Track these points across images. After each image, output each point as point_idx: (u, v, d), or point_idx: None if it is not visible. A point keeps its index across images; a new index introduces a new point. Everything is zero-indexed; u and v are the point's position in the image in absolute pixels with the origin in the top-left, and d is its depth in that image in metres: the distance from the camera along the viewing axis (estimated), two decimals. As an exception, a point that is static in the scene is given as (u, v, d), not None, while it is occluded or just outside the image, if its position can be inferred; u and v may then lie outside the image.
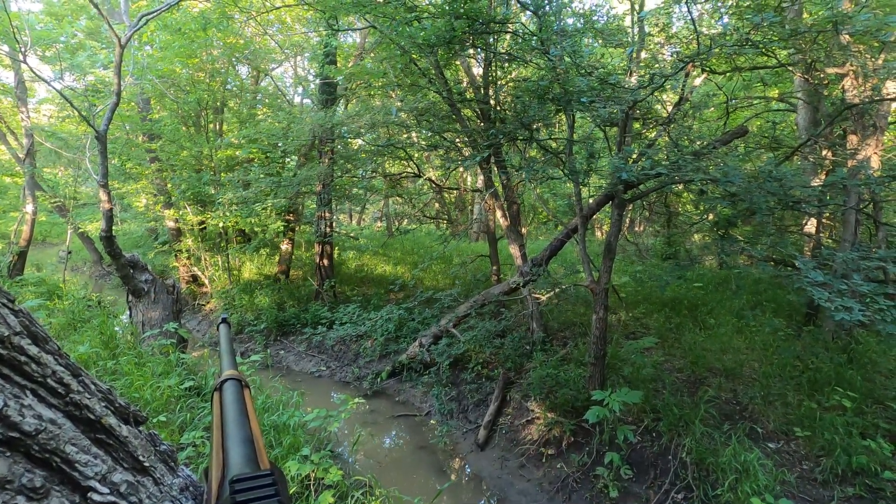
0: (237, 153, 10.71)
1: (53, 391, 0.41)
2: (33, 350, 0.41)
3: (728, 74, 6.26)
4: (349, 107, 11.20)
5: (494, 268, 8.31)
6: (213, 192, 9.98)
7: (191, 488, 0.51)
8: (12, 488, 0.36)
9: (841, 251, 4.53)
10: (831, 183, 4.23)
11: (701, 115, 6.47)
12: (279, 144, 11.09)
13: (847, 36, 4.35)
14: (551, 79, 4.10)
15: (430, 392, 6.72)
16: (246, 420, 0.53)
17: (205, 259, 11.10)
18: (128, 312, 6.44)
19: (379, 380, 7.10)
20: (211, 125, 11.48)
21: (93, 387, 0.47)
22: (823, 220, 6.94)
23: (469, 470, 5.54)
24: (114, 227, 5.95)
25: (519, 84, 5.64)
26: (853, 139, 5.52)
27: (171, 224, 11.08)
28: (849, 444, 4.14)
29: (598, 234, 14.48)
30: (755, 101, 8.43)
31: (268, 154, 10.89)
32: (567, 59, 4.45)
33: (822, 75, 5.74)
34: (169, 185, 10.52)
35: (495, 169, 7.20)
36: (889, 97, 4.44)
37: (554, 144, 6.51)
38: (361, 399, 4.95)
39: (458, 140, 8.02)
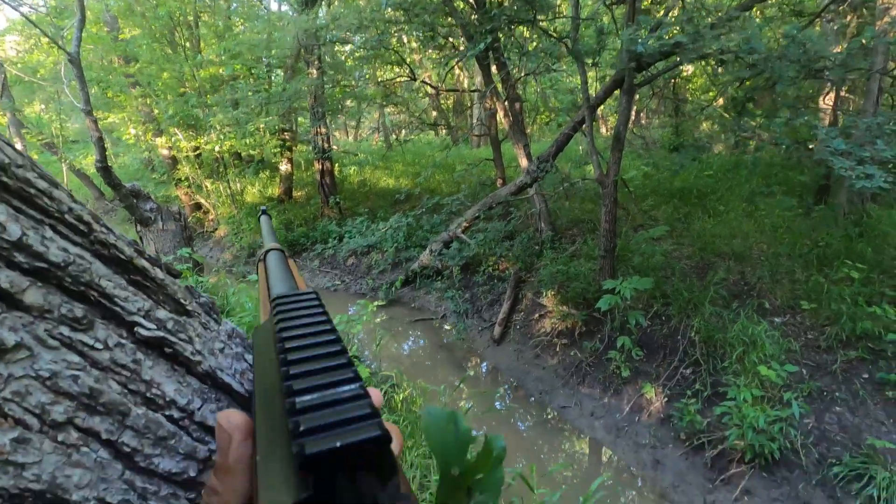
0: (220, 71, 10.11)
1: (75, 228, 0.37)
2: (43, 183, 0.36)
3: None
4: (332, 8, 10.35)
5: (499, 171, 8.15)
6: (201, 115, 9.58)
7: (237, 337, 0.49)
8: (52, 318, 0.33)
9: (861, 119, 4.33)
10: (858, 45, 3.93)
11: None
12: (263, 58, 10.43)
13: None
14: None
15: (444, 297, 6.92)
16: (290, 277, 0.52)
17: (206, 186, 10.97)
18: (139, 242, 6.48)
19: (393, 289, 7.29)
20: (187, 43, 10.74)
21: (115, 230, 0.43)
22: (843, 93, 6.60)
23: (487, 363, 5.86)
24: (108, 162, 5.78)
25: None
26: (883, -3, 5.04)
27: (164, 152, 10.80)
28: (854, 311, 4.27)
29: (603, 129, 13.99)
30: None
31: (252, 69, 10.29)
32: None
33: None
34: (156, 111, 10.09)
35: (494, 66, 6.77)
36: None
37: (555, 30, 6.04)
38: (381, 301, 5.10)
39: (450, 36, 7.47)
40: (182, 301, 0.43)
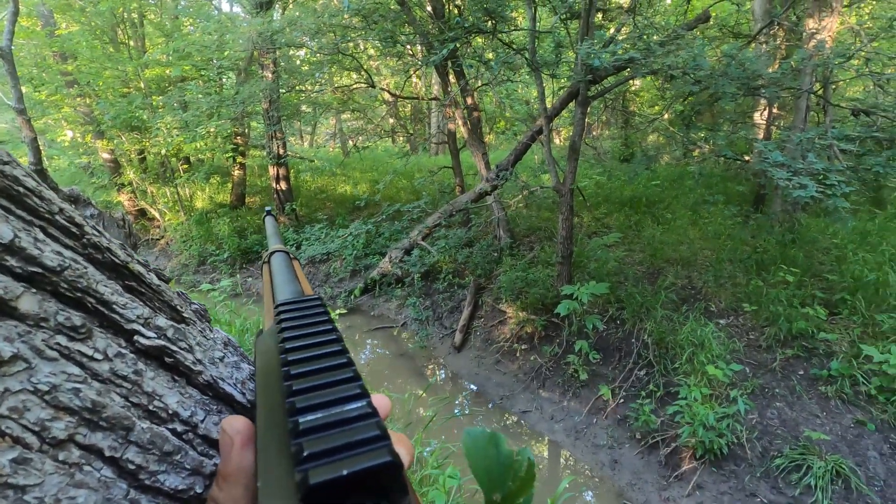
0: (168, 72, 9.67)
1: (66, 230, 0.35)
2: (31, 182, 0.34)
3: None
4: (288, 11, 10.15)
5: (458, 179, 8.22)
6: (146, 117, 9.11)
7: (232, 345, 0.47)
8: (49, 327, 0.31)
9: (794, 134, 4.69)
10: (789, 67, 4.26)
11: (665, 3, 6.24)
12: (214, 60, 10.07)
13: None
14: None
15: (404, 304, 6.88)
16: (295, 278, 0.51)
17: (151, 191, 10.42)
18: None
19: (352, 297, 7.18)
20: (131, 41, 10.22)
21: (105, 233, 0.40)
22: (774, 110, 7.11)
23: (448, 370, 5.85)
24: (43, 165, 5.39)
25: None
26: (809, 23, 5.50)
27: (106, 156, 10.18)
28: (790, 313, 4.58)
29: (557, 140, 14.43)
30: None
31: (202, 71, 9.90)
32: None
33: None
34: (96, 112, 9.52)
35: (452, 76, 6.85)
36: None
37: (513, 41, 6.18)
38: (342, 310, 5.00)
39: (410, 44, 7.49)
40: (178, 308, 0.41)
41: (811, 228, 5.99)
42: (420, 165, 11.33)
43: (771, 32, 6.40)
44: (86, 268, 0.34)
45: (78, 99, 9.44)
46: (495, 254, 6.89)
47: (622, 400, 4.57)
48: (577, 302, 4.74)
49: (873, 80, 4.33)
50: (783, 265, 5.14)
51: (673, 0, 8.20)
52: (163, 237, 10.45)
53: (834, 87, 5.47)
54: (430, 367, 6.00)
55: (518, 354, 5.51)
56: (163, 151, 8.87)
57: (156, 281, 0.40)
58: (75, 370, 0.30)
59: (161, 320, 0.38)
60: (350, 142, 15.87)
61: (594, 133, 15.35)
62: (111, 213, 6.37)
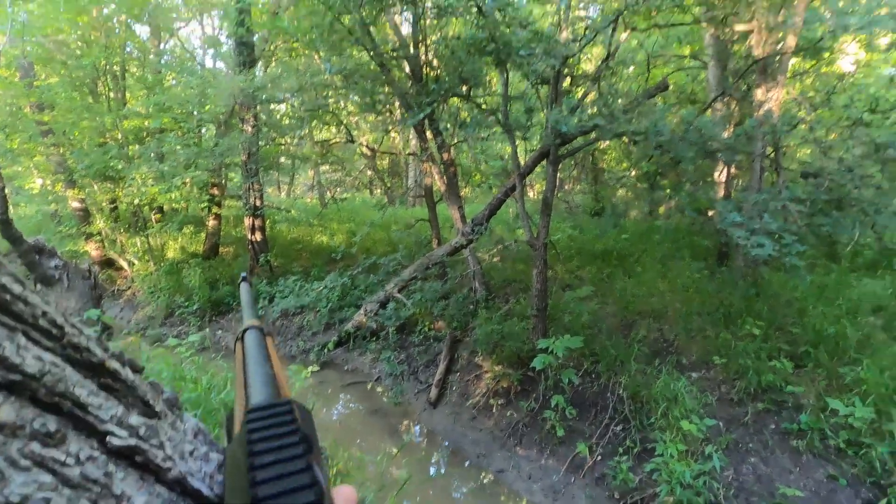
0: (146, 123, 9.74)
1: (48, 333, 0.37)
2: (17, 287, 0.36)
3: (648, 32, 6.52)
4: (269, 69, 10.49)
5: (435, 232, 8.34)
6: (121, 167, 9.08)
7: (202, 434, 0.48)
8: (24, 434, 0.32)
9: (749, 195, 4.98)
10: (742, 133, 4.60)
11: (626, 72, 6.72)
12: (194, 113, 10.22)
13: (754, -7, 4.64)
14: (489, 29, 4.05)
15: (378, 358, 6.75)
16: (268, 362, 0.52)
17: (121, 241, 10.20)
18: (37, 303, 5.82)
19: (326, 351, 7.01)
20: (111, 93, 10.33)
21: (84, 330, 0.42)
22: (732, 170, 7.56)
23: (423, 427, 5.69)
24: (9, 215, 5.27)
25: (452, 41, 5.54)
26: (758, 92, 5.99)
27: (76, 205, 9.99)
28: (758, 365, 4.68)
29: (531, 193, 14.90)
30: (672, 58, 8.86)
31: (181, 124, 10.01)
32: (498, 15, 4.41)
33: (730, 31, 6.13)
34: (70, 161, 9.43)
35: (429, 132, 7.11)
36: (789, 52, 4.84)
37: (487, 103, 6.51)
38: (315, 367, 4.87)
39: (389, 104, 7.80)
40: (151, 402, 0.42)
41: (773, 282, 6.23)
42: (397, 217, 11.47)
43: (725, 100, 6.92)
44: (64, 370, 0.35)
45: (52, 148, 9.37)
46: (471, 306, 6.91)
47: (600, 457, 4.50)
48: (553, 356, 4.76)
49: (818, 147, 4.70)
50: (749, 318, 5.29)
51: (635, 69, 8.82)
52: (129, 288, 10.14)
53: (784, 150, 5.89)
54: (405, 423, 5.83)
55: (494, 410, 5.42)
56: (136, 201, 8.77)
57: (130, 376, 0.41)
58: (47, 478, 0.31)
59: (134, 418, 0.39)
60: (328, 193, 16.04)
61: (566, 187, 15.94)
62: (77, 263, 6.17)
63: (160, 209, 11.40)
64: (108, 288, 10.12)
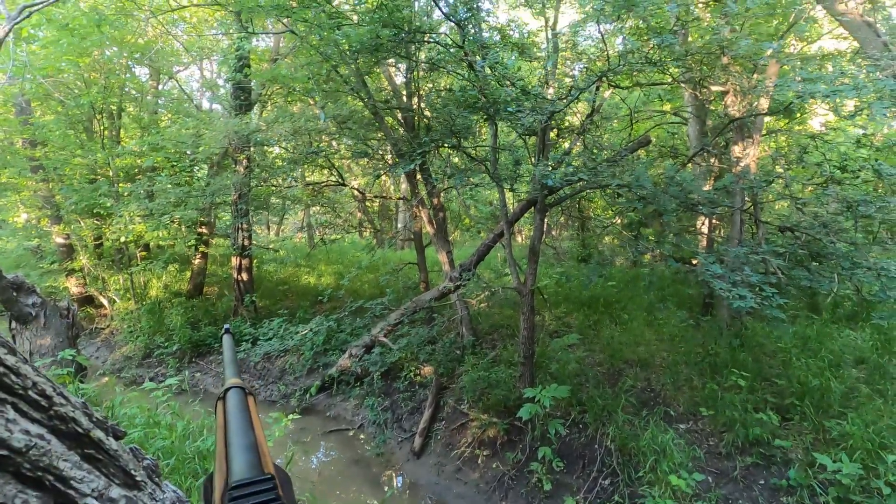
0: (139, 162, 9.82)
1: (36, 404, 0.37)
2: (11, 360, 0.37)
3: (631, 89, 6.86)
4: (265, 113, 10.74)
5: (423, 275, 8.35)
6: (109, 204, 9.06)
7: (179, 502, 0.48)
8: (5, 513, 0.32)
9: (730, 247, 5.12)
10: (721, 187, 4.78)
11: (610, 125, 7.00)
12: (188, 152, 10.34)
13: (727, 58, 4.94)
14: (479, 87, 4.24)
15: (362, 404, 6.58)
16: (250, 427, 0.51)
17: (103, 278, 10.03)
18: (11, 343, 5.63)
19: (308, 396, 6.83)
20: (106, 131, 10.44)
21: (71, 399, 0.43)
22: (714, 221, 7.78)
23: (406, 479, 5.48)
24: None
25: (444, 94, 5.77)
26: (735, 149, 6.26)
27: (60, 240, 9.88)
28: (745, 418, 4.65)
29: (520, 238, 15.08)
30: (654, 114, 9.27)
31: (174, 163, 10.11)
32: (489, 71, 4.63)
33: (708, 92, 6.47)
34: (57, 197, 9.40)
35: (420, 177, 7.26)
36: (763, 112, 5.11)
37: (475, 153, 6.70)
38: (296, 415, 4.72)
39: (381, 149, 7.99)
40: (132, 471, 0.42)
41: (757, 333, 6.29)
42: (386, 259, 11.50)
43: (704, 154, 7.22)
44: (49, 442, 0.36)
45: (41, 183, 9.36)
46: (458, 351, 6.84)
47: (588, 513, 4.36)
48: (540, 405, 4.68)
49: (794, 203, 4.88)
50: (734, 369, 5.30)
51: (618, 123, 9.20)
52: (108, 326, 9.89)
53: (762, 205, 6.10)
54: (387, 474, 5.61)
55: (480, 461, 5.26)
56: (122, 238, 8.71)
57: (114, 445, 0.42)
58: (24, 559, 0.31)
59: (114, 490, 0.39)
60: (317, 233, 16.07)
61: (553, 233, 16.20)
62: (56, 300, 6.02)
63: (146, 246, 11.31)
64: (86, 326, 9.86)
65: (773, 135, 8.87)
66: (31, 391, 0.38)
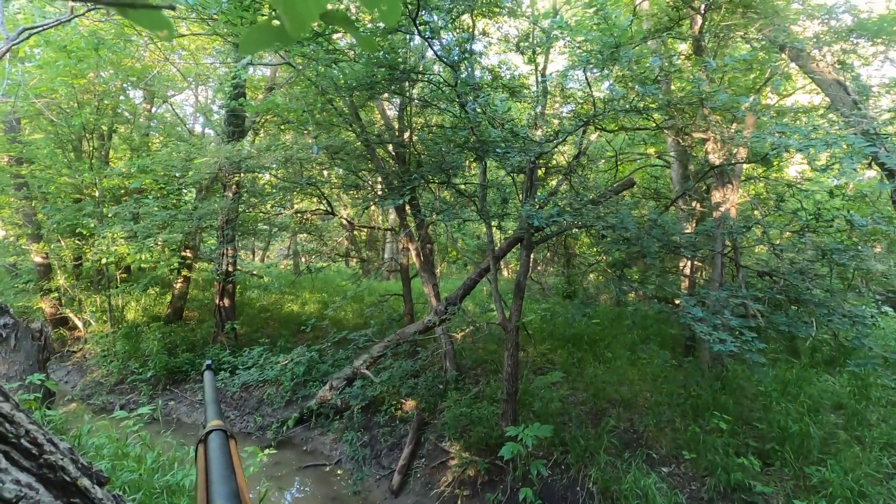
0: (127, 183, 9.77)
1: (27, 452, 0.38)
2: (6, 407, 0.39)
3: (616, 132, 7.10)
4: (258, 140, 10.82)
5: (408, 307, 8.32)
6: (93, 224, 8.95)
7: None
8: (-12, 568, 0.33)
9: (711, 290, 5.22)
10: (702, 231, 4.91)
11: (596, 166, 7.20)
12: (177, 175, 10.33)
13: (707, 109, 5.18)
14: (469, 127, 4.37)
15: (340, 439, 6.41)
16: (231, 474, 0.51)
17: (80, 299, 9.79)
18: (-24, 364, 5.43)
19: (285, 428, 6.64)
20: (95, 152, 10.41)
21: (60, 445, 0.44)
22: (696, 263, 7.94)
23: (383, 519, 5.30)
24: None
25: (435, 131, 5.91)
26: (716, 194, 6.47)
27: (38, 259, 9.68)
28: (727, 462, 4.64)
29: (506, 272, 15.16)
30: (638, 157, 9.56)
31: (163, 186, 10.08)
32: (479, 111, 4.78)
33: (689, 138, 6.72)
34: (39, 216, 9.26)
35: (409, 209, 7.33)
36: (741, 161, 5.31)
37: (464, 188, 6.82)
38: (272, 450, 4.58)
39: (372, 181, 8.08)
40: (114, 523, 0.42)
41: (738, 375, 6.34)
42: (371, 290, 11.43)
43: (686, 198, 7.43)
44: (38, 491, 0.36)
45: (24, 201, 9.23)
46: (441, 386, 6.75)
47: (568, 559, 4.24)
48: (522, 445, 4.62)
49: (772, 249, 5.03)
50: (716, 412, 5.31)
51: (604, 163, 9.46)
52: (81, 349, 9.58)
53: (742, 249, 6.26)
54: (364, 514, 5.43)
55: (460, 502, 5.12)
56: (103, 260, 8.56)
57: (99, 494, 0.42)
58: None
59: (96, 543, 0.39)
60: (303, 261, 15.98)
61: (539, 268, 16.33)
62: (29, 322, 5.85)
63: (127, 269, 11.12)
64: (58, 349, 9.55)
65: (752, 181, 9.19)
66: (23, 439, 0.39)
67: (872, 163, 5.39)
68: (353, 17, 5.37)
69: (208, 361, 0.96)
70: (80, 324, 9.90)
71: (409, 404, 6.55)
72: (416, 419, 6.19)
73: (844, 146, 3.78)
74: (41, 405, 4.74)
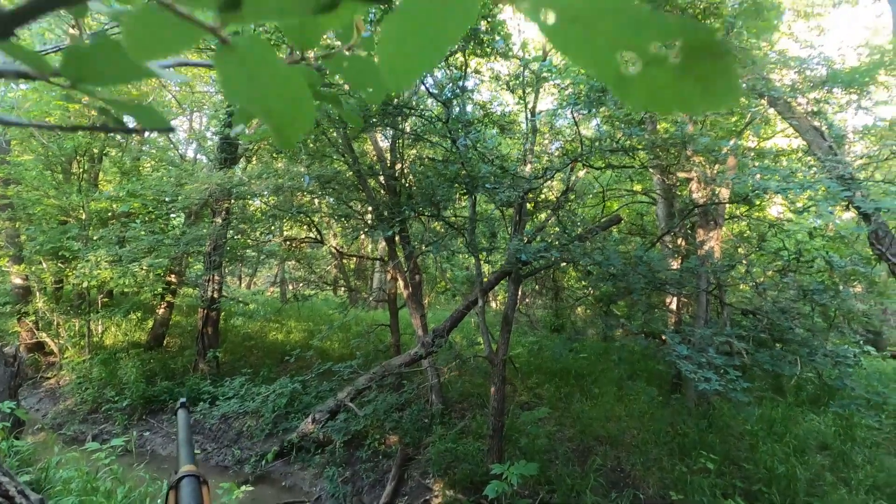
0: (115, 206, 9.69)
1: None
2: None
3: (603, 170, 7.27)
4: (250, 167, 10.87)
5: (395, 338, 8.23)
6: (77, 247, 8.82)
7: None
8: None
9: (697, 327, 5.26)
10: (686, 269, 4.98)
11: (583, 202, 7.33)
12: (166, 199, 10.28)
13: (690, 150, 5.34)
14: (459, 162, 4.46)
15: (321, 474, 6.21)
16: None
17: (58, 323, 9.55)
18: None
19: (264, 462, 6.43)
20: (85, 174, 10.36)
21: (32, 497, 0.43)
22: (682, 299, 8.01)
23: (362, 561, 5.10)
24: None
25: (426, 164, 6.01)
26: (700, 232, 6.60)
27: (18, 281, 9.47)
28: (714, 504, 4.57)
29: (494, 304, 15.13)
30: (625, 193, 9.76)
31: (151, 210, 10.02)
32: (470, 146, 4.88)
33: (674, 178, 6.90)
34: (23, 237, 9.12)
35: (398, 239, 7.35)
36: (724, 201, 5.45)
37: (454, 219, 6.88)
38: (250, 486, 4.42)
39: (362, 210, 8.13)
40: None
41: (724, 413, 6.33)
42: (358, 319, 11.31)
43: (671, 235, 7.56)
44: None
45: (7, 222, 9.09)
46: (426, 420, 6.62)
47: None
48: (507, 483, 4.51)
49: (755, 287, 5.11)
50: (703, 451, 5.27)
51: (591, 199, 9.63)
52: (55, 375, 9.27)
53: (726, 287, 6.35)
54: (342, 555, 5.22)
55: (442, 543, 4.96)
56: (85, 284, 8.40)
57: None
58: None
59: None
60: (290, 288, 15.81)
61: (527, 300, 16.33)
62: (2, 346, 5.70)
63: (109, 293, 10.91)
64: (32, 375, 9.24)
65: (736, 220, 9.39)
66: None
67: (850, 205, 5.57)
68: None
69: (183, 399, 0.93)
70: (56, 349, 9.61)
71: (393, 439, 6.40)
72: (400, 455, 6.04)
73: (821, 189, 3.91)
74: (9, 435, 4.56)
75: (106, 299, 10.64)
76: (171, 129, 0.43)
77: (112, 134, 10.55)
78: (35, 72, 0.35)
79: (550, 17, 0.23)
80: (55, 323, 9.67)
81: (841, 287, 5.50)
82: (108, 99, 0.40)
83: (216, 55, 0.31)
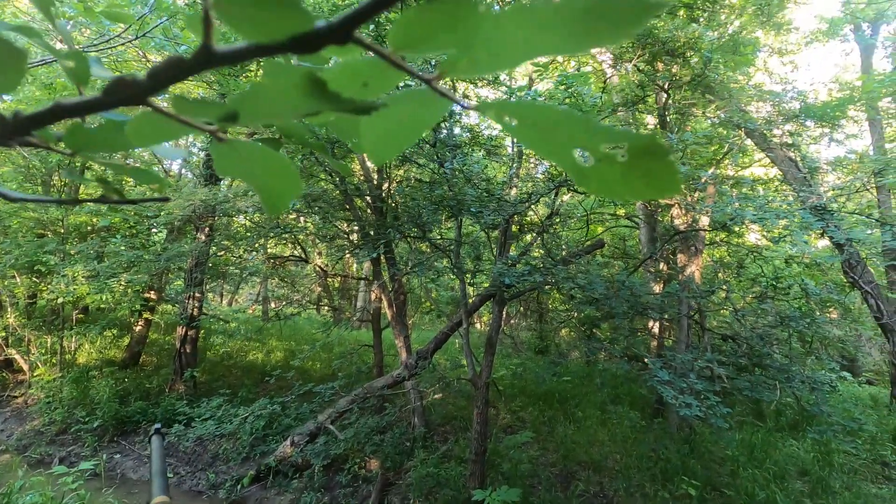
0: (95, 220, 9.53)
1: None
2: None
3: (587, 194, 7.39)
4: (235, 184, 10.81)
5: (378, 358, 8.14)
6: (54, 261, 8.61)
7: None
8: None
9: (678, 351, 5.31)
10: (668, 293, 5.06)
11: (567, 226, 7.43)
12: (148, 214, 10.15)
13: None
14: (446, 185, 4.50)
15: (299, 500, 6.04)
16: None
17: (29, 339, 9.26)
18: None
19: (239, 487, 6.24)
20: (65, 187, 10.19)
21: None
22: (664, 323, 8.10)
23: (339, 592, 4.94)
24: None
25: (414, 184, 6.05)
26: (682, 258, 6.72)
27: (-12, 296, 9.20)
28: (696, 532, 4.56)
29: (479, 325, 15.11)
30: (609, 217, 9.91)
31: (132, 225, 9.87)
32: (457, 168, 4.94)
33: (655, 203, 7.05)
34: (-5, 251, 8.88)
35: (384, 259, 7.34)
36: (703, 228, 5.58)
37: (440, 240, 6.91)
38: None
39: (348, 228, 8.12)
40: None
41: (706, 439, 6.35)
42: (341, 339, 11.18)
43: (653, 260, 7.69)
44: None
45: (-21, 235, 8.87)
46: (408, 444, 6.51)
47: None
48: (489, 510, 4.45)
49: (734, 314, 5.21)
50: (685, 476, 5.27)
51: (576, 222, 9.76)
52: (23, 394, 8.94)
53: (707, 313, 6.45)
54: (318, 585, 5.05)
55: (422, 572, 4.84)
56: (59, 300, 8.18)
57: None
58: None
59: None
60: (272, 305, 15.59)
61: (512, 322, 16.33)
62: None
63: (85, 309, 10.63)
64: (-2, 393, 8.91)
65: (715, 245, 9.59)
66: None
67: (825, 233, 5.74)
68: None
69: (158, 425, 0.92)
70: (25, 366, 9.29)
71: (374, 463, 6.28)
72: (380, 480, 5.92)
73: (797, 218, 4.04)
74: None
75: (81, 315, 10.36)
76: (167, 199, 0.45)
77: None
78: (40, 141, 0.38)
79: (514, 122, 0.26)
80: (26, 339, 9.38)
81: (817, 313, 5.63)
82: (106, 162, 0.42)
83: (211, 143, 0.34)
